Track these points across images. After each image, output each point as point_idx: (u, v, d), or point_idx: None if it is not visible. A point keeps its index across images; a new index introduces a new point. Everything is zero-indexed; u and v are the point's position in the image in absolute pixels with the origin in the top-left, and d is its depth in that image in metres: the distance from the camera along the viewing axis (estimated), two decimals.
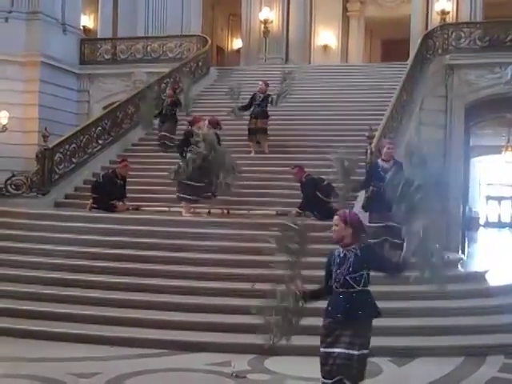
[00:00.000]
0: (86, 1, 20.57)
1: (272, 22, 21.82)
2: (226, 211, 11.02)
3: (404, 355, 7.00)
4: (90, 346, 7.23)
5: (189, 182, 10.61)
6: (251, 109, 13.39)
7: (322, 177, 10.58)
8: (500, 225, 36.32)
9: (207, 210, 11.08)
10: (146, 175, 12.87)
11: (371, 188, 9.40)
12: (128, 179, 11.72)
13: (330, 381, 4.89)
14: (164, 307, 8.11)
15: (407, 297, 8.17)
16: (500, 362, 7.07)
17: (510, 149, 28.66)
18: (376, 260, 4.94)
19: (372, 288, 4.99)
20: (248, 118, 13.45)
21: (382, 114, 12.80)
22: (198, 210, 11.05)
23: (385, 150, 9.16)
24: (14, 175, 12.37)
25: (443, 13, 19.29)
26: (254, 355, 7.01)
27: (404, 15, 21.89)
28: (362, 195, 10.48)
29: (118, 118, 14.65)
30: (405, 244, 5.07)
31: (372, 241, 8.38)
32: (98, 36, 20.88)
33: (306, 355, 6.96)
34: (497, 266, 12.48)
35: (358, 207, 10.20)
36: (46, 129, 12.80)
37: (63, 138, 13.09)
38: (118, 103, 15.21)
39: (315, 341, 7.06)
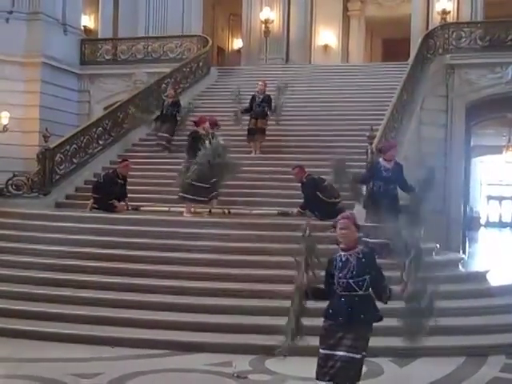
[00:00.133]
0: (87, 1, 20.56)
1: (273, 22, 21.79)
2: (226, 211, 11.02)
3: (405, 355, 6.99)
4: (87, 346, 7.23)
5: (193, 183, 10.61)
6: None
7: (323, 177, 10.58)
8: (501, 224, 36.33)
9: (208, 210, 11.09)
10: (146, 175, 12.87)
11: (370, 187, 9.43)
12: (128, 179, 11.73)
13: (324, 383, 4.87)
14: (158, 307, 8.10)
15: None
16: (501, 362, 7.06)
17: (510, 148, 28.64)
18: (377, 271, 4.91)
19: None
20: (247, 118, 13.46)
21: (383, 114, 12.80)
22: (198, 210, 11.05)
23: (391, 152, 9.22)
24: (14, 175, 12.38)
25: (444, 12, 19.25)
26: (254, 355, 7.01)
27: (404, 15, 21.87)
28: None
29: (119, 118, 14.65)
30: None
31: (371, 240, 8.40)
32: (99, 36, 20.86)
33: (307, 356, 6.96)
34: (498, 266, 12.48)
35: (359, 207, 10.23)
36: (46, 129, 12.80)
37: (64, 139, 13.10)
38: (118, 103, 15.22)
39: (316, 341, 7.07)
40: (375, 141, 11.26)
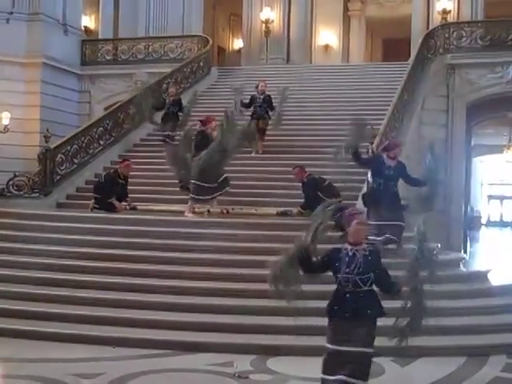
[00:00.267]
0: (87, 1, 20.57)
1: (273, 21, 21.81)
2: (225, 211, 11.00)
3: (407, 355, 6.98)
4: (87, 346, 7.22)
5: (199, 183, 10.62)
6: (251, 109, 13.35)
7: (323, 177, 10.59)
8: (502, 224, 36.35)
9: (206, 210, 11.09)
10: (147, 175, 12.87)
11: (370, 184, 9.42)
12: (130, 179, 11.73)
13: (331, 377, 4.87)
14: (159, 307, 8.09)
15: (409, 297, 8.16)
16: (503, 362, 7.05)
17: (511, 148, 28.64)
18: (381, 269, 4.92)
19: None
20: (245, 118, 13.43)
21: (384, 114, 12.80)
22: (197, 210, 11.04)
23: (396, 150, 9.20)
24: (15, 176, 12.39)
25: (444, 12, 19.26)
26: (256, 355, 7.02)
27: (405, 14, 21.88)
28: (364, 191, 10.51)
29: (120, 118, 14.65)
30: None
31: (377, 238, 8.38)
32: (99, 37, 20.88)
33: (308, 355, 6.98)
34: (499, 266, 12.48)
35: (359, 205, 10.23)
36: (47, 130, 12.85)
37: (65, 139, 13.10)
38: (119, 104, 15.23)
39: (317, 341, 7.07)
40: (376, 140, 11.25)
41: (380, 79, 17.12)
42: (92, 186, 11.99)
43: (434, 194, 8.87)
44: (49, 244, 9.87)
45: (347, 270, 4.83)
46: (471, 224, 25.38)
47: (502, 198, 37.92)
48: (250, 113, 13.41)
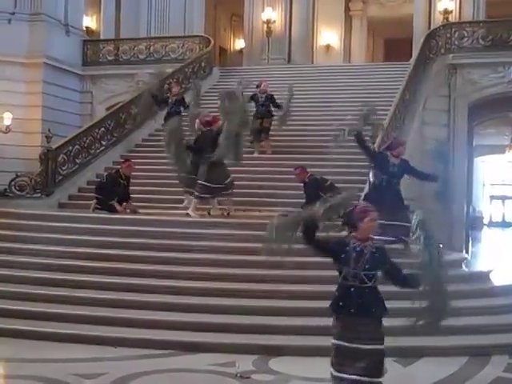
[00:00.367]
0: (89, 2, 20.59)
1: (274, 22, 21.81)
2: (226, 213, 10.99)
3: (409, 355, 6.99)
4: (89, 346, 7.22)
5: (207, 184, 10.65)
6: (254, 108, 13.34)
7: (325, 177, 10.58)
8: (504, 224, 36.30)
9: (207, 212, 11.09)
10: (149, 176, 12.88)
11: (373, 181, 9.41)
12: (131, 180, 11.74)
13: (343, 375, 4.85)
14: (161, 307, 8.09)
15: (412, 297, 8.15)
16: (505, 362, 7.04)
17: None
18: (391, 264, 4.92)
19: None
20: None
21: (385, 114, 12.79)
22: (199, 212, 11.05)
23: (401, 148, 9.23)
24: (17, 176, 12.40)
25: (446, 12, 19.26)
26: (258, 355, 7.02)
27: (406, 14, 21.87)
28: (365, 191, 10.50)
29: (121, 118, 14.66)
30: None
31: (388, 238, 8.34)
32: (101, 37, 20.90)
33: (310, 355, 6.99)
34: (501, 266, 12.47)
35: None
36: (49, 130, 12.86)
37: (66, 139, 13.12)
38: (120, 104, 15.23)
39: (319, 341, 7.07)
40: (377, 140, 11.24)
41: (381, 79, 17.11)
42: (94, 187, 12.00)
43: (446, 188, 8.87)
44: (47, 244, 9.88)
45: (355, 265, 4.82)
46: (473, 224, 25.35)
47: (503, 199, 37.88)
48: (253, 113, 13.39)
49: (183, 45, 18.97)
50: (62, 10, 18.11)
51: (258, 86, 13.56)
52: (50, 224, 10.54)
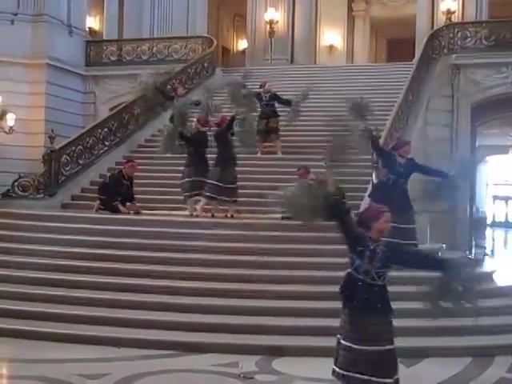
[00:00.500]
0: (92, 2, 20.60)
1: (277, 22, 21.82)
2: (229, 215, 10.98)
3: (412, 356, 6.97)
4: (90, 346, 7.23)
5: (218, 183, 10.69)
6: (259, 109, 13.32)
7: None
8: (507, 224, 36.21)
9: (211, 214, 11.09)
10: (152, 176, 12.88)
11: (380, 179, 9.39)
12: (134, 180, 11.74)
13: (359, 375, 4.85)
14: (163, 308, 8.10)
15: (415, 297, 8.15)
16: (508, 363, 7.03)
17: None
18: (405, 252, 4.91)
19: None
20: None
21: (388, 115, 12.78)
22: (204, 214, 11.07)
23: (406, 148, 9.26)
24: (20, 177, 12.41)
25: (449, 12, 19.25)
26: (261, 356, 7.01)
27: (409, 15, 21.87)
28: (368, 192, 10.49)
29: (124, 119, 14.67)
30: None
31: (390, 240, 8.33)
32: (104, 37, 20.90)
33: (313, 356, 6.98)
34: (504, 266, 12.45)
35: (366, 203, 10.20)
36: (52, 130, 12.86)
37: (69, 140, 13.13)
38: (123, 104, 15.24)
39: (323, 341, 7.07)
40: (380, 141, 11.23)
41: (384, 80, 17.09)
42: (97, 187, 12.01)
43: (455, 184, 8.79)
44: (44, 244, 9.94)
45: (368, 263, 4.83)
46: (476, 224, 25.30)
47: (507, 199, 37.79)
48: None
49: (186, 45, 18.97)
50: (64, 10, 18.12)
51: (261, 86, 13.53)
52: (49, 224, 10.60)
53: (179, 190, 11.43)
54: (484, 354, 7.18)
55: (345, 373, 4.89)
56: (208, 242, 9.68)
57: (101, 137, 13.83)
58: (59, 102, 17.67)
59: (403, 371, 6.71)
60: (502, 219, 37.35)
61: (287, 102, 13.39)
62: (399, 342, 6.54)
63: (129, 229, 10.22)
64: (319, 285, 8.54)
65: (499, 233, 31.96)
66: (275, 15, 21.75)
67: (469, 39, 16.80)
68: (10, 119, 15.73)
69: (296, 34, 22.14)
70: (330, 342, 7.25)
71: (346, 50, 24.61)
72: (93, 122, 15.87)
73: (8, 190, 12.11)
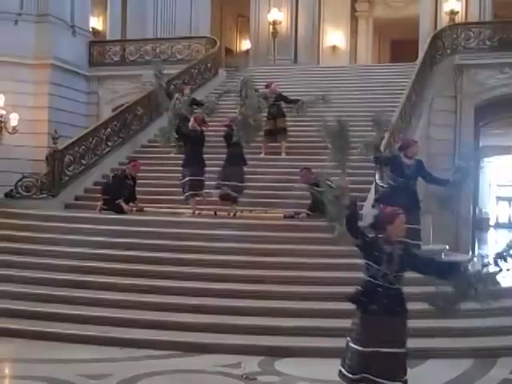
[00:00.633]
0: (95, 2, 20.61)
1: (280, 23, 21.82)
2: (232, 214, 10.99)
3: (415, 357, 6.95)
4: (94, 347, 7.25)
5: (224, 182, 10.82)
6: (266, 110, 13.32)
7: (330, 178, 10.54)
8: (510, 225, 36.16)
9: (214, 212, 11.11)
10: (155, 176, 12.90)
11: (389, 182, 9.35)
12: (138, 180, 11.76)
13: (358, 376, 4.86)
14: (166, 308, 8.11)
15: (418, 298, 8.14)
16: (511, 365, 7.02)
17: None
18: (418, 261, 4.93)
19: None
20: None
21: (391, 115, 12.77)
22: (203, 212, 11.09)
23: (413, 148, 9.14)
24: (24, 177, 12.43)
25: (452, 13, 19.23)
26: (263, 357, 7.01)
27: (412, 15, 21.84)
28: (371, 195, 10.48)
29: (127, 119, 14.69)
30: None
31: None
32: (107, 38, 20.92)
33: (316, 357, 6.98)
34: (508, 267, 12.41)
35: (368, 206, 10.20)
36: (55, 131, 12.86)
37: (73, 140, 13.13)
38: (127, 105, 15.26)
39: (325, 342, 7.08)
40: (384, 142, 11.22)
41: (388, 80, 17.09)
42: (100, 187, 12.02)
43: (454, 194, 8.80)
44: (48, 244, 9.97)
45: (386, 267, 4.82)
46: (479, 225, 25.28)
47: (510, 200, 37.75)
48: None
49: (189, 46, 18.96)
50: (68, 11, 18.13)
51: (267, 87, 13.54)
52: (52, 224, 10.67)
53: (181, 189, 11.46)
54: (487, 356, 7.18)
55: (355, 377, 4.88)
56: (211, 243, 9.70)
57: (104, 137, 13.83)
58: (63, 102, 17.69)
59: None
60: (506, 220, 37.31)
61: (295, 101, 13.39)
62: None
63: (132, 229, 10.24)
64: (322, 286, 8.55)
65: (503, 234, 31.90)
66: (278, 16, 21.75)
67: (472, 40, 16.79)
68: (14, 119, 15.74)
69: (299, 34, 22.13)
70: (332, 342, 7.27)
71: (349, 51, 24.61)
72: (96, 122, 15.88)
73: (11, 190, 12.12)
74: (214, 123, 12.79)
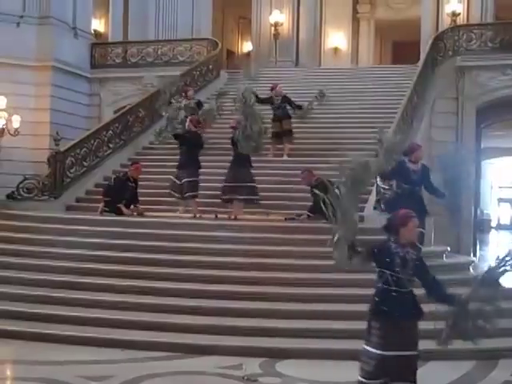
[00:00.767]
0: (97, 4, 20.63)
1: (282, 24, 21.84)
2: (232, 216, 10.98)
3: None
4: (95, 348, 7.26)
5: (229, 184, 10.86)
6: (271, 110, 13.30)
7: (332, 180, 10.55)
8: None
9: (214, 215, 11.12)
10: (157, 178, 12.90)
11: (395, 190, 9.31)
12: (139, 182, 11.77)
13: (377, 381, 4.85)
14: (167, 310, 8.11)
15: (420, 300, 8.14)
16: None
17: None
18: (429, 275, 4.93)
19: None
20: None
21: (393, 117, 12.78)
22: (206, 215, 11.10)
23: (418, 153, 9.05)
24: (26, 179, 12.44)
25: (454, 14, 19.23)
26: (264, 358, 7.01)
27: (414, 17, 21.85)
28: (372, 197, 10.47)
29: (129, 121, 14.70)
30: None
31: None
32: (109, 39, 20.94)
33: (317, 358, 6.98)
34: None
35: (369, 208, 10.20)
36: (57, 133, 12.88)
37: (74, 142, 13.15)
38: (128, 107, 15.27)
39: (326, 344, 7.08)
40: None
41: (389, 82, 17.09)
42: (101, 189, 12.03)
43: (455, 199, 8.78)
44: (47, 246, 9.96)
45: (401, 270, 4.81)
46: (481, 227, 25.24)
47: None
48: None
49: (191, 48, 18.98)
50: (70, 13, 18.15)
51: (272, 89, 13.55)
52: (53, 226, 10.67)
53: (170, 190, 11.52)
54: (488, 357, 7.15)
55: (374, 382, 4.87)
56: (212, 244, 9.70)
57: (105, 139, 13.85)
58: (64, 104, 17.71)
59: None
60: (507, 222, 37.25)
61: (298, 107, 13.42)
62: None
63: (133, 231, 10.25)
64: (323, 287, 8.54)
65: (504, 235, 31.87)
66: (280, 17, 21.76)
67: (474, 41, 16.77)
68: (16, 121, 15.77)
69: (301, 36, 22.15)
70: (334, 344, 7.28)
71: (351, 52, 24.60)
72: (98, 124, 15.91)
73: (13, 191, 12.14)
74: (219, 125, 12.86)
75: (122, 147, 14.24)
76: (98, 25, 21.96)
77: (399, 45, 26.72)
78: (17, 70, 16.75)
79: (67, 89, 17.91)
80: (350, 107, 15.52)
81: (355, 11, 25.36)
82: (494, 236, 30.65)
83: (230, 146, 11.38)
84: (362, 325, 7.24)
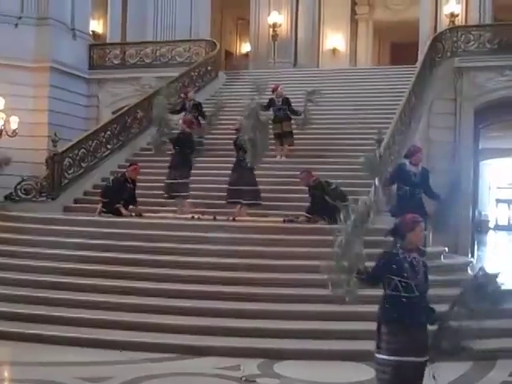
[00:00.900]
0: (95, 5, 20.62)
1: (280, 25, 21.84)
2: (231, 218, 10.99)
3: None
4: (93, 350, 7.25)
5: (231, 187, 10.94)
6: (271, 112, 13.29)
7: (330, 180, 10.57)
8: (510, 228, 36.16)
9: (213, 217, 11.12)
10: (155, 179, 12.88)
11: (396, 193, 9.30)
12: (137, 183, 11.77)
13: None
14: (167, 311, 8.10)
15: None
16: (510, 367, 7.01)
17: None
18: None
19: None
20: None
21: (391, 118, 12.79)
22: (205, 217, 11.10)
23: (418, 155, 9.08)
24: (23, 180, 12.43)
25: (452, 15, 19.22)
26: (262, 359, 7.01)
27: (412, 18, 21.86)
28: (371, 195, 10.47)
29: (127, 122, 14.70)
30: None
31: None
32: (107, 40, 20.93)
33: (315, 359, 6.98)
34: (507, 270, 12.41)
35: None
36: (55, 134, 12.87)
37: (72, 143, 13.15)
38: (126, 108, 15.27)
39: (325, 345, 7.07)
40: (383, 144, 11.23)
41: (388, 83, 17.10)
42: (99, 190, 12.02)
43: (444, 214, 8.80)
44: (46, 247, 9.96)
45: (410, 275, 4.75)
46: (479, 228, 25.27)
47: (510, 202, 37.76)
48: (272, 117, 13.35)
49: (189, 49, 18.98)
50: (68, 14, 18.15)
51: (273, 91, 13.57)
52: (51, 227, 10.67)
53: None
54: (486, 358, 7.13)
55: None
56: (210, 245, 9.70)
57: (104, 140, 13.85)
58: (63, 105, 17.70)
59: None
60: (505, 222, 37.31)
61: (295, 113, 13.44)
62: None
63: (131, 232, 10.26)
64: (322, 288, 8.51)
65: (502, 236, 31.92)
66: (278, 18, 21.76)
67: (472, 42, 16.78)
68: (14, 122, 15.76)
69: (299, 37, 22.15)
70: (332, 345, 7.28)
71: (349, 54, 24.62)
72: (96, 125, 15.91)
73: (11, 192, 12.13)
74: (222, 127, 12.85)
75: (120, 148, 14.24)
76: (96, 26, 21.94)
77: (397, 46, 26.74)
78: (15, 70, 16.74)
79: (65, 90, 17.90)
80: (348, 108, 15.52)
81: (353, 12, 25.38)
82: (491, 236, 30.67)
83: (229, 147, 11.38)
84: (360, 326, 7.27)
